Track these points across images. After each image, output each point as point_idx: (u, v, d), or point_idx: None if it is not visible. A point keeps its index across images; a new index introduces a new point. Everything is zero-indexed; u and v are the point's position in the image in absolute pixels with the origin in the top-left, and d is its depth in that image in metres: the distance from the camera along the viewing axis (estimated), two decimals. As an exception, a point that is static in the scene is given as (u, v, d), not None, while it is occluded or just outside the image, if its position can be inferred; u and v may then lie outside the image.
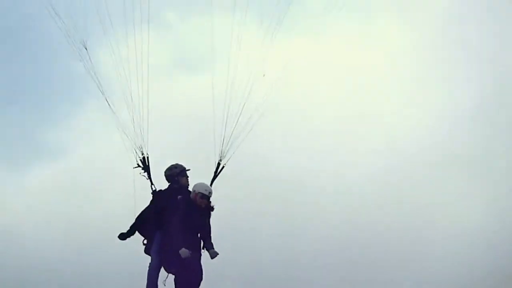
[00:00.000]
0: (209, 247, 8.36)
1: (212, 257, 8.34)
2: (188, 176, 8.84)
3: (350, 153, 17.50)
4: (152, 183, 8.75)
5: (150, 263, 8.67)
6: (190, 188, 8.68)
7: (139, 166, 8.69)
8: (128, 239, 8.61)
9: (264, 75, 8.45)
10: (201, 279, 8.45)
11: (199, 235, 8.52)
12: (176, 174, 8.77)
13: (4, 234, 16.63)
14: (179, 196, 8.61)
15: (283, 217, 15.63)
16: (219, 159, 8.81)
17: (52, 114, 21.71)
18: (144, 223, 8.61)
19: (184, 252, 8.14)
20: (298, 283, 14.18)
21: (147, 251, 8.72)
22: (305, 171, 16.61)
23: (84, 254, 14.50)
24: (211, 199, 8.55)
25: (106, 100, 8.54)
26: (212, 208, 8.56)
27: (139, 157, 8.68)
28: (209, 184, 8.71)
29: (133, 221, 8.66)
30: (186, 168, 8.83)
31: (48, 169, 19.68)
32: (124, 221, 8.64)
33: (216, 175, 8.79)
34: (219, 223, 8.39)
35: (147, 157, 8.68)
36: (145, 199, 8.79)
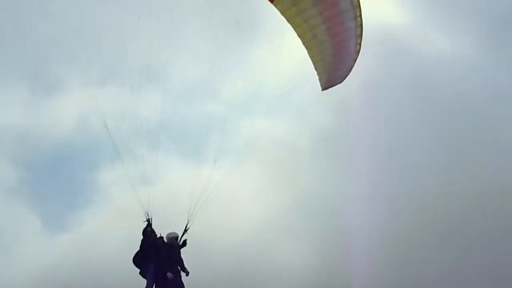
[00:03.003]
0: (183, 268, 15.08)
1: (186, 275, 14.98)
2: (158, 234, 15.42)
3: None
4: (152, 233, 15.23)
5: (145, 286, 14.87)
6: (165, 237, 15.49)
7: (146, 221, 15.26)
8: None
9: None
10: None
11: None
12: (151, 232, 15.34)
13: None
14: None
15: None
16: (186, 223, 15.59)
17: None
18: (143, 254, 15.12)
19: (169, 275, 14.72)
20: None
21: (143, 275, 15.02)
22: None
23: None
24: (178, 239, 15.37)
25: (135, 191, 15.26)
26: (181, 244, 15.42)
27: (146, 217, 15.25)
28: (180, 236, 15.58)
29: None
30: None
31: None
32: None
33: (184, 231, 15.55)
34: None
35: (151, 218, 15.32)
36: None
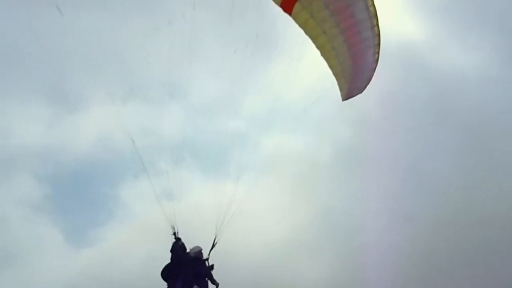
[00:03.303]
0: (213, 281, 15.27)
1: (216, 287, 15.21)
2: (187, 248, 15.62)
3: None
4: (181, 247, 15.35)
5: None
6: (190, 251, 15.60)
7: (173, 234, 15.44)
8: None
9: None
10: None
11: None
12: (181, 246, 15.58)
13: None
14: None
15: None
16: (214, 237, 15.70)
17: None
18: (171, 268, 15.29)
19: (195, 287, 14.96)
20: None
21: None
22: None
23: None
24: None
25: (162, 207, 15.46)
26: (206, 259, 15.60)
27: (173, 230, 15.44)
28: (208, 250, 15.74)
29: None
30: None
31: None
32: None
33: (212, 246, 15.65)
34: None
35: (177, 232, 15.47)
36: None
